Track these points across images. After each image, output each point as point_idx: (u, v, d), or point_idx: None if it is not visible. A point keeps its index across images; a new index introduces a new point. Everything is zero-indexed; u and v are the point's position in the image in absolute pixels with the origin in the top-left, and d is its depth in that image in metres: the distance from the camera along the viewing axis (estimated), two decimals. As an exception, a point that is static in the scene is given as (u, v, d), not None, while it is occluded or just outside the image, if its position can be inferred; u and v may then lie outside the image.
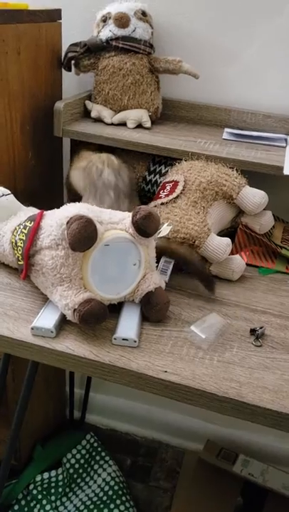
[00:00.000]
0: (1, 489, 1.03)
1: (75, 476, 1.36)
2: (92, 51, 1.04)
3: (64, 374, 1.47)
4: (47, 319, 0.69)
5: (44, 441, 1.40)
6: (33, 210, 0.82)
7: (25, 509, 1.28)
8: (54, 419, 1.46)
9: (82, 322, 0.67)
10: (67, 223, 0.66)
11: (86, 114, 1.09)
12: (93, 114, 1.07)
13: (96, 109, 1.07)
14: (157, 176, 1.02)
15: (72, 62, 1.06)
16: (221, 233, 0.91)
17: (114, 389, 1.52)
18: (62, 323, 0.71)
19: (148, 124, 1.05)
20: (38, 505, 1.28)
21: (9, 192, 0.84)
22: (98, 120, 1.07)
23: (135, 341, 0.67)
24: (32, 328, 0.68)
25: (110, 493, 1.31)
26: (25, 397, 0.93)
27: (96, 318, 0.67)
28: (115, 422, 1.57)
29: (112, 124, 1.05)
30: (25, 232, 0.73)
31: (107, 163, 0.94)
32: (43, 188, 1.12)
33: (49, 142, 1.08)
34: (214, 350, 0.69)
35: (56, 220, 0.69)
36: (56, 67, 1.07)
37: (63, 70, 1.08)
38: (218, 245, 0.82)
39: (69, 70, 1.07)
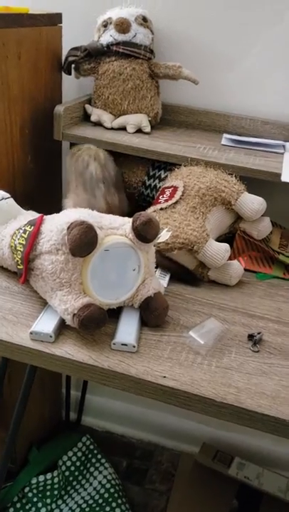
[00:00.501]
0: (-2, 492, 1.03)
1: (71, 478, 1.35)
2: (92, 55, 1.04)
3: (60, 376, 1.47)
4: (46, 324, 0.69)
5: (40, 444, 1.39)
6: (32, 214, 0.83)
7: (21, 512, 1.28)
8: (50, 421, 1.46)
9: (82, 327, 0.67)
10: (67, 228, 0.66)
11: (86, 118, 1.09)
12: (93, 118, 1.07)
13: (96, 114, 1.07)
14: (156, 181, 1.03)
15: (73, 66, 1.07)
16: (219, 239, 0.91)
17: (110, 391, 1.52)
18: (62, 327, 0.71)
19: (148, 129, 1.05)
20: (34, 508, 1.28)
21: (9, 195, 0.84)
22: (98, 124, 1.07)
23: (134, 346, 0.68)
24: (31, 333, 0.68)
25: (106, 495, 1.31)
26: (23, 401, 0.93)
27: (95, 323, 0.67)
28: (111, 424, 1.58)
29: (111, 129, 1.06)
30: (25, 236, 0.74)
31: (94, 157, 0.95)
32: (42, 191, 1.12)
33: (48, 146, 1.08)
34: (212, 355, 0.69)
35: (56, 225, 0.69)
36: (56, 70, 1.07)
37: (63, 74, 1.09)
38: (217, 251, 0.83)
39: (69, 73, 1.08)
